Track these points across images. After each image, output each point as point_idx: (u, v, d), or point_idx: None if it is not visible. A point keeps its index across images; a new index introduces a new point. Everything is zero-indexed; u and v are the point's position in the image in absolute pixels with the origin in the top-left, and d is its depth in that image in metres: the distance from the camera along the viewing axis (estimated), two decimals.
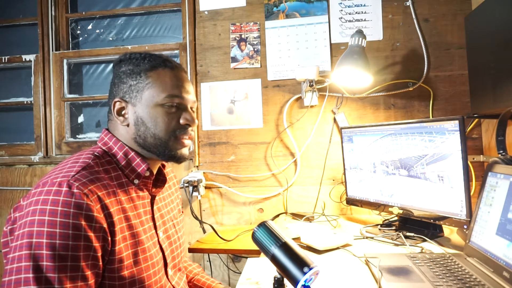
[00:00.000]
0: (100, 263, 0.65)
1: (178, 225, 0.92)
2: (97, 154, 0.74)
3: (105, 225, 0.65)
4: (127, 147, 0.78)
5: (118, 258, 0.68)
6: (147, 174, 0.79)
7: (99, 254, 0.64)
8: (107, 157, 0.76)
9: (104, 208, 0.66)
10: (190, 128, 0.79)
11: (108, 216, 0.67)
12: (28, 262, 0.58)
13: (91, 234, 0.63)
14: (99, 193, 0.66)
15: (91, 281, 0.62)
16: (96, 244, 0.63)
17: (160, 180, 0.87)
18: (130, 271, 0.69)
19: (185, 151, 0.80)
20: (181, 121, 0.78)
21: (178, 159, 0.79)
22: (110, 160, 0.76)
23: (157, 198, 0.85)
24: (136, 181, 0.77)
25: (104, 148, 0.78)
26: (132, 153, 0.77)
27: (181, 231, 0.94)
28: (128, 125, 0.77)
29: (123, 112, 0.77)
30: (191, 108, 0.81)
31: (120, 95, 0.77)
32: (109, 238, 0.66)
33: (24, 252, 0.58)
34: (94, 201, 0.64)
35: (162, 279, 0.79)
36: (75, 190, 0.63)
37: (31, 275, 0.57)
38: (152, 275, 0.74)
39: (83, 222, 0.62)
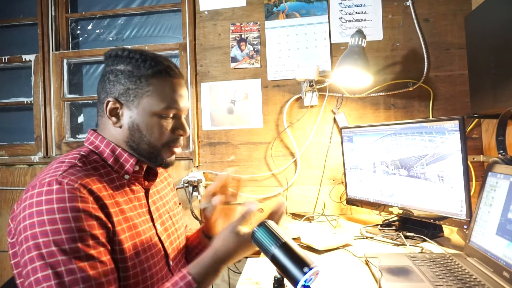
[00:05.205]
0: (108, 246, 0.66)
1: (175, 217, 0.92)
2: (83, 153, 0.74)
3: (101, 215, 0.66)
4: (113, 144, 0.77)
5: (119, 249, 0.68)
6: (137, 168, 0.79)
7: (105, 240, 0.66)
8: (94, 155, 0.76)
9: (98, 199, 0.66)
10: (181, 138, 0.81)
11: (104, 207, 0.67)
12: (41, 261, 0.58)
13: (93, 223, 0.64)
14: (90, 187, 0.66)
15: (105, 257, 0.64)
16: (100, 230, 0.65)
17: (152, 173, 0.87)
18: (132, 262, 0.70)
19: (173, 158, 0.82)
20: (176, 132, 0.79)
21: (166, 166, 0.81)
22: (97, 158, 0.76)
23: (151, 191, 0.85)
24: (126, 176, 0.77)
25: (90, 147, 0.77)
26: (119, 149, 0.77)
27: (178, 222, 0.93)
28: (120, 127, 0.76)
29: (116, 113, 0.75)
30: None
31: (115, 95, 0.75)
32: (110, 226, 0.67)
33: (34, 253, 0.59)
34: (87, 193, 0.65)
35: (163, 270, 0.79)
36: (66, 186, 0.63)
37: (50, 271, 0.58)
38: (152, 266, 0.75)
39: (82, 215, 0.62)
